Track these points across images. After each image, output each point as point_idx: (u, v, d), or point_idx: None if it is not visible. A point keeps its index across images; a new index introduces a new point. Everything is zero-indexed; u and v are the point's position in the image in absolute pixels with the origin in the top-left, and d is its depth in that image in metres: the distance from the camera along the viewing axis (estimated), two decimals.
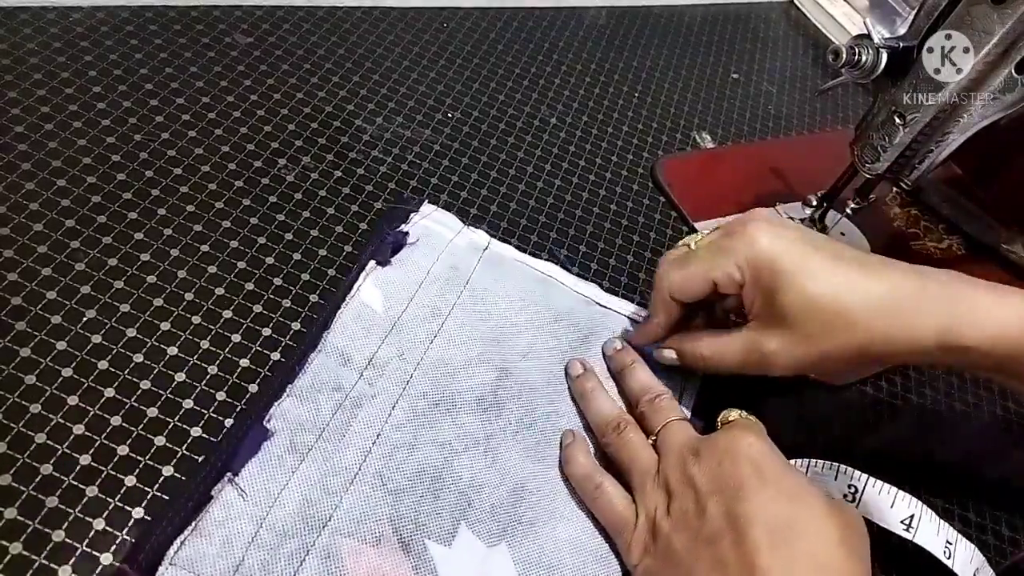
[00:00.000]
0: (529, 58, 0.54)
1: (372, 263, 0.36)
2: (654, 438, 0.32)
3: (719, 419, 0.32)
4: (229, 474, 0.27)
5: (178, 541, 0.26)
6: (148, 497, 0.28)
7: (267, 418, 0.29)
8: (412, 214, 0.39)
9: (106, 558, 0.26)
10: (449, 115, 0.48)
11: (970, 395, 0.45)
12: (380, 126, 0.45)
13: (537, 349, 0.36)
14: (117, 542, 0.26)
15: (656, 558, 0.28)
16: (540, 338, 0.37)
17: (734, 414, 0.32)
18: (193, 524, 0.26)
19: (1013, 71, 0.35)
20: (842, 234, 0.49)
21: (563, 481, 0.33)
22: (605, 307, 0.39)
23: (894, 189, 0.46)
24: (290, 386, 0.30)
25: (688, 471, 0.29)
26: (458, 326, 0.35)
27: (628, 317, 0.39)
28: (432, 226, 0.39)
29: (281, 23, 0.49)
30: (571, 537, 0.31)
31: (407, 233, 0.38)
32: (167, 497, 0.28)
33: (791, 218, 0.49)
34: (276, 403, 0.30)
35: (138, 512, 0.27)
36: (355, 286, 0.35)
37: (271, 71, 0.45)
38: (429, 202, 0.41)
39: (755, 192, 0.50)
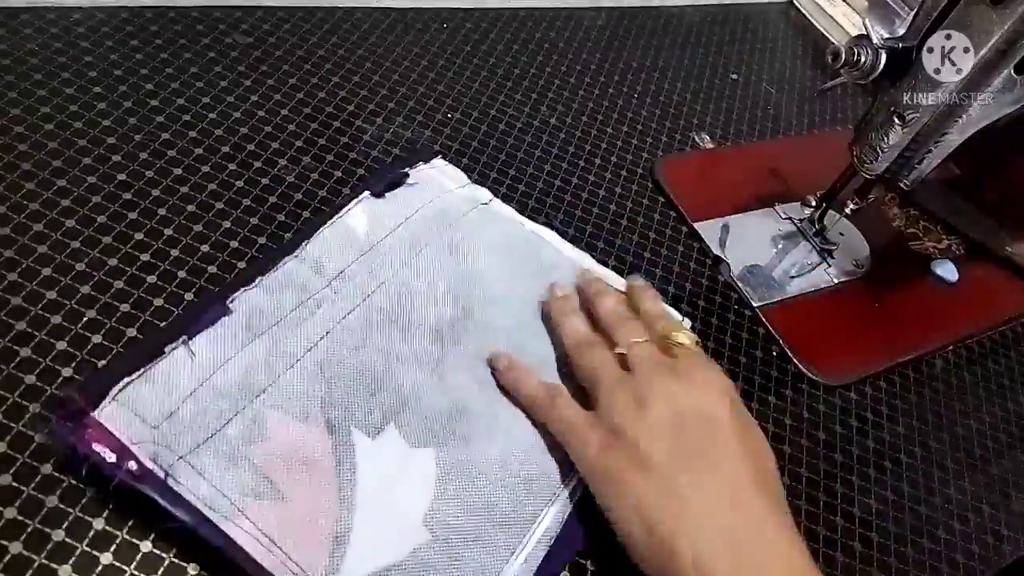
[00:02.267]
0: (529, 58, 0.54)
1: (366, 192, 0.38)
2: (623, 351, 0.32)
3: (664, 333, 0.33)
4: (184, 336, 0.29)
5: (124, 381, 0.27)
6: None
7: (230, 299, 0.31)
8: (420, 163, 0.41)
9: (106, 557, 0.26)
10: (449, 115, 0.48)
11: (970, 395, 0.45)
12: (380, 126, 0.45)
13: (511, 298, 0.37)
14: (117, 541, 0.26)
15: (620, 458, 0.28)
16: (516, 288, 0.37)
17: (682, 336, 0.32)
18: (141, 371, 0.28)
19: (1012, 71, 0.35)
20: (841, 234, 0.49)
21: (508, 408, 0.33)
22: (593, 273, 0.40)
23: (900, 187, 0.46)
24: (260, 278, 0.33)
25: (669, 389, 0.30)
26: (430, 261, 0.37)
27: (616, 289, 0.39)
28: (435, 175, 0.41)
29: (281, 23, 0.49)
30: (501, 457, 0.31)
31: (407, 174, 0.40)
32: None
33: (790, 218, 0.49)
34: (243, 289, 0.32)
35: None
36: (344, 209, 0.37)
37: (271, 71, 0.45)
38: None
39: (754, 192, 0.50)
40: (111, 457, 0.26)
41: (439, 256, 0.37)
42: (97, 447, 0.26)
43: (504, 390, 0.33)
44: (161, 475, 0.26)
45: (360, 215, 0.37)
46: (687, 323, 0.40)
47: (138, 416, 0.27)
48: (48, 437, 0.27)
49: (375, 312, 0.34)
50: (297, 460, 0.28)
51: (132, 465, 0.26)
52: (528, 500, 0.30)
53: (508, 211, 0.41)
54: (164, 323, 0.32)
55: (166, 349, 0.29)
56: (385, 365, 0.32)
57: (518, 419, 0.33)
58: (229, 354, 0.30)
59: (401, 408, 0.31)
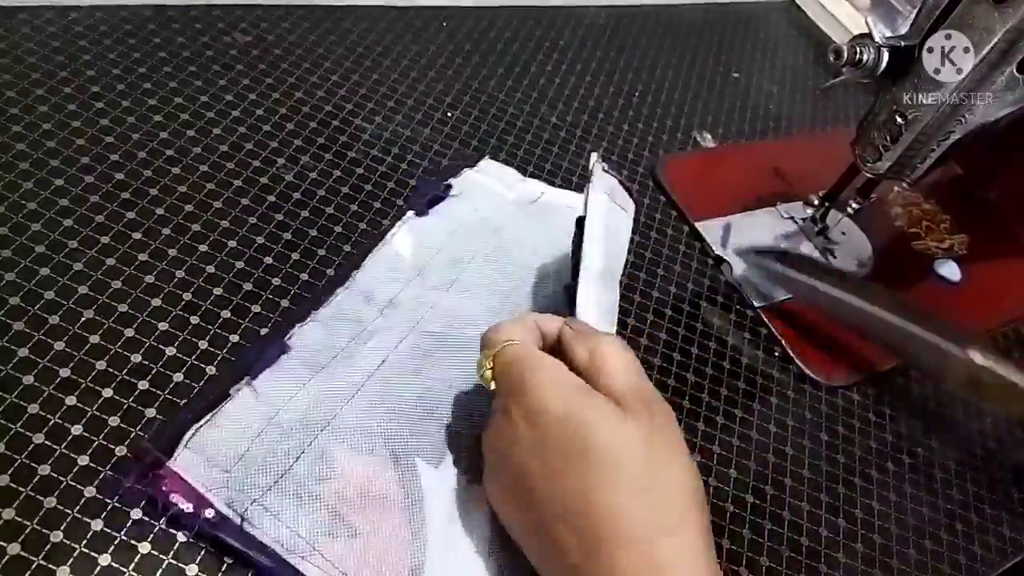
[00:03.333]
0: (529, 58, 0.54)
1: (410, 213, 0.39)
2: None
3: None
4: (247, 376, 0.30)
5: (194, 428, 0.28)
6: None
7: (288, 336, 0.32)
8: (465, 168, 0.41)
9: (104, 559, 0.26)
10: (449, 114, 0.48)
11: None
12: (379, 125, 0.45)
13: (559, 297, 0.37)
14: (115, 542, 0.26)
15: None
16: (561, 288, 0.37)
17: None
18: (209, 416, 0.29)
19: (1015, 70, 0.34)
20: (843, 234, 0.49)
21: None
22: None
23: (895, 188, 0.46)
24: (314, 313, 0.33)
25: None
26: (476, 275, 0.37)
27: None
28: (480, 178, 0.41)
29: (280, 22, 0.48)
30: None
31: (449, 186, 0.40)
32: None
33: (792, 218, 0.49)
34: (299, 325, 0.33)
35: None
36: (389, 233, 0.37)
37: (270, 70, 0.45)
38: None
39: (756, 192, 0.50)
40: (188, 507, 0.26)
41: (484, 268, 0.37)
42: (175, 497, 0.26)
43: None
44: (237, 521, 0.27)
45: (406, 237, 0.38)
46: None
47: (210, 461, 0.27)
48: (125, 491, 0.27)
49: (426, 338, 0.34)
50: (367, 495, 0.29)
51: (209, 512, 0.26)
52: None
53: (562, 199, 0.40)
54: (215, 362, 0.31)
55: (231, 391, 0.30)
56: (441, 391, 0.33)
57: None
58: (291, 392, 0.30)
59: (458, 437, 0.32)
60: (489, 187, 0.40)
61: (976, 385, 0.33)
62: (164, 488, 0.26)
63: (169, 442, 0.28)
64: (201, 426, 0.28)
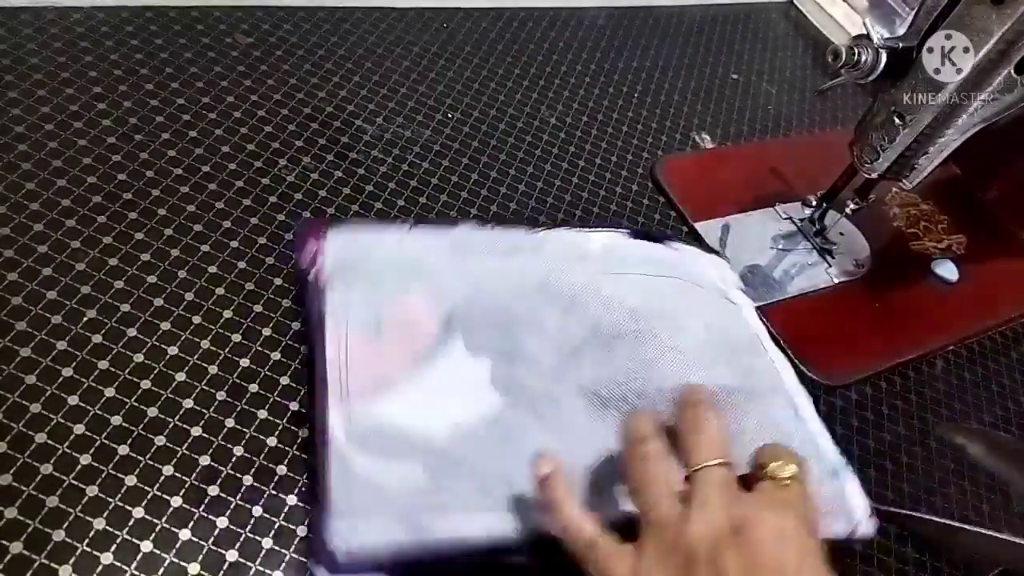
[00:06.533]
0: (529, 58, 0.54)
1: (624, 230, 0.41)
2: (687, 473, 0.26)
3: (764, 461, 0.26)
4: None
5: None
6: (148, 496, 0.28)
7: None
8: (701, 251, 0.43)
9: (106, 557, 0.26)
10: (449, 115, 0.48)
11: (970, 395, 0.45)
12: (380, 126, 0.45)
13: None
14: (117, 541, 0.26)
15: None
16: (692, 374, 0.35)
17: (787, 470, 0.25)
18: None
19: (1013, 71, 0.35)
20: (841, 234, 0.49)
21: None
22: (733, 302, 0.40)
23: (893, 189, 0.46)
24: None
25: (720, 558, 0.23)
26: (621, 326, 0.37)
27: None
28: (704, 263, 0.42)
29: (281, 23, 0.49)
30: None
31: (672, 239, 0.42)
32: (172, 501, 0.28)
33: (790, 218, 0.49)
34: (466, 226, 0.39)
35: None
36: (596, 230, 0.41)
37: (271, 71, 0.45)
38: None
39: (755, 192, 0.50)
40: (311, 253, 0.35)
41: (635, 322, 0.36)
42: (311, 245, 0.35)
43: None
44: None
45: (601, 238, 0.40)
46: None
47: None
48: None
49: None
50: (406, 319, 0.34)
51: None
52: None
53: (755, 322, 0.39)
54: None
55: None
56: (519, 325, 0.35)
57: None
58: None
59: (511, 356, 0.34)
60: (704, 273, 0.40)
61: None
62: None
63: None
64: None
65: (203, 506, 0.28)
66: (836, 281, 0.47)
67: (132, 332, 0.32)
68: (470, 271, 0.37)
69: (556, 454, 0.29)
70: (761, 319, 0.42)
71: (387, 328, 0.33)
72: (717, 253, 0.43)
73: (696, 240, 0.46)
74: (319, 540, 0.27)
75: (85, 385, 0.30)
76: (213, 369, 0.32)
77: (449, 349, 0.33)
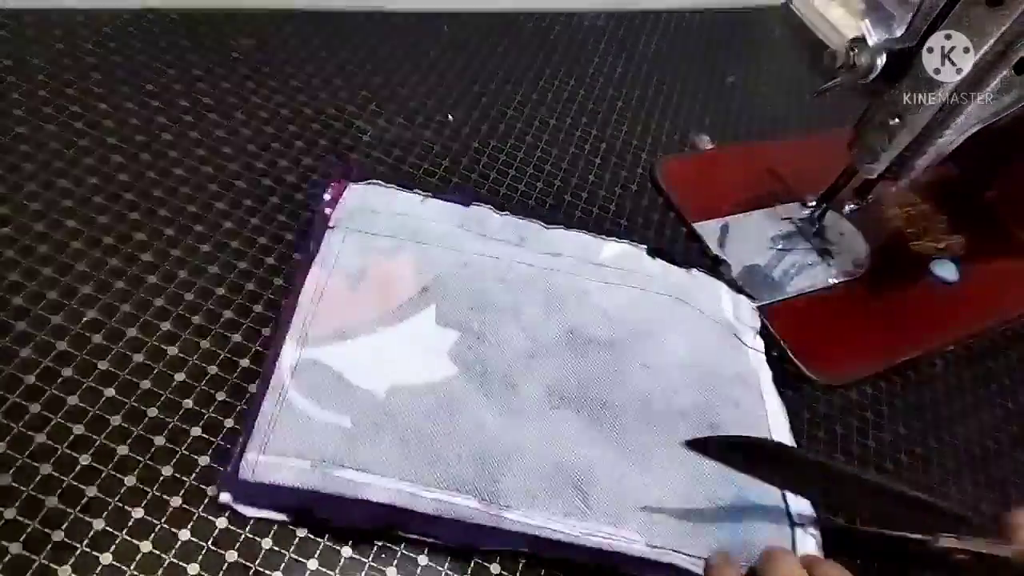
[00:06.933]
0: (528, 61, 0.54)
1: (644, 246, 0.43)
2: None
3: None
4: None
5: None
6: (147, 496, 0.28)
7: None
8: (724, 286, 0.43)
9: (106, 558, 0.26)
10: (450, 117, 0.48)
11: (970, 395, 0.45)
12: (381, 128, 0.45)
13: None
14: (116, 541, 0.26)
15: None
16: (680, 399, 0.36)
17: None
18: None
19: (1011, 71, 0.35)
20: (840, 234, 0.49)
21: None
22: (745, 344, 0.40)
23: (892, 189, 0.47)
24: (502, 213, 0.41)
25: None
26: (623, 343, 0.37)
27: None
28: (723, 296, 0.42)
29: (283, 26, 0.49)
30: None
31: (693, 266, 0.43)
32: (165, 497, 0.28)
33: (789, 219, 0.49)
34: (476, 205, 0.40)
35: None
36: (612, 238, 0.42)
37: (273, 73, 0.45)
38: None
39: (754, 193, 0.50)
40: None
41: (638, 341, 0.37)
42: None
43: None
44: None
45: (615, 248, 0.41)
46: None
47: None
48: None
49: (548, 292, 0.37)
50: (387, 278, 0.35)
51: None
52: None
53: (759, 366, 0.39)
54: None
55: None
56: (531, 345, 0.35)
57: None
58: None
59: (481, 335, 0.34)
60: (716, 303, 0.41)
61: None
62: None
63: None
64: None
65: (203, 506, 0.28)
66: (835, 281, 0.47)
67: (132, 332, 0.32)
68: (466, 249, 0.38)
69: (494, 431, 0.31)
70: (761, 319, 0.42)
71: (367, 281, 0.34)
72: (746, 294, 0.43)
73: (696, 241, 0.46)
74: (232, 467, 0.28)
75: (85, 385, 0.30)
76: (213, 369, 0.32)
77: (420, 316, 0.34)
